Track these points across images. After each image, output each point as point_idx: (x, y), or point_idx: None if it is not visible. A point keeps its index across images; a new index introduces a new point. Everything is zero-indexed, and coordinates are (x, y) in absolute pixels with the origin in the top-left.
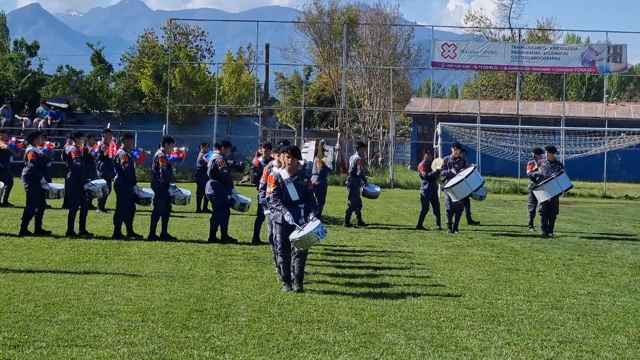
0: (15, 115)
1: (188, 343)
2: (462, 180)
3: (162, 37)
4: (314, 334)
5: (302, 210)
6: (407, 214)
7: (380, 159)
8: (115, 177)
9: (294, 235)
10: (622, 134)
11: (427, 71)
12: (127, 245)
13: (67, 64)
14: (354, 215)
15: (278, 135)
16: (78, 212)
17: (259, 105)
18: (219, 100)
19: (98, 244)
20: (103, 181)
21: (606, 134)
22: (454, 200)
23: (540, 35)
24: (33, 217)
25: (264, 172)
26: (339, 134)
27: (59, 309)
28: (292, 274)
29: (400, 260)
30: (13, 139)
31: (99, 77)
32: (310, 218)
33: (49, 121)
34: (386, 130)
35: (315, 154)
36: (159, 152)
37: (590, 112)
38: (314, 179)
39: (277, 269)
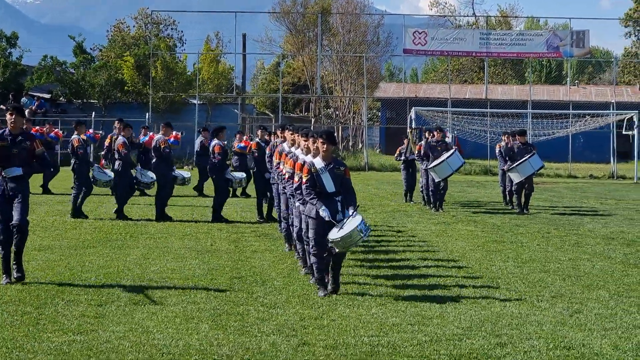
0: (0, 106)
1: (241, 302)
2: (443, 161)
3: (133, 26)
4: (344, 293)
5: (339, 204)
6: (387, 194)
7: (350, 144)
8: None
9: (334, 234)
10: (587, 116)
11: (387, 56)
12: (143, 225)
13: (51, 55)
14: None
15: (256, 121)
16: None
17: (237, 93)
18: (199, 89)
19: (116, 225)
20: (242, 174)
21: (571, 116)
22: (436, 180)
23: (501, 20)
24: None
25: (284, 157)
26: (312, 120)
27: (118, 277)
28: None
29: (396, 235)
30: (50, 129)
31: (81, 68)
32: (350, 214)
33: (33, 111)
34: (356, 115)
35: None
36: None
37: (552, 95)
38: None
39: (304, 266)
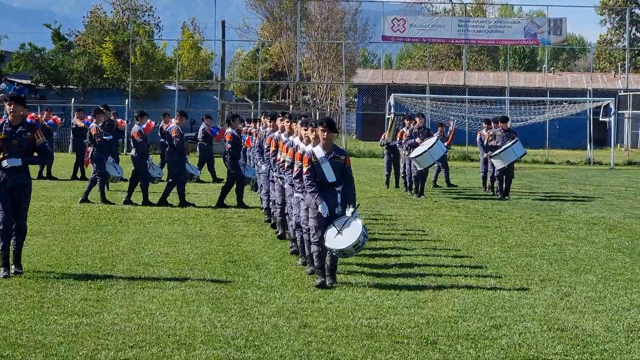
0: None
1: (238, 285)
2: (425, 151)
3: (111, 12)
4: (337, 277)
5: (339, 195)
6: (367, 180)
7: None
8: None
9: (331, 240)
10: (564, 103)
11: (365, 43)
12: (131, 211)
13: (29, 42)
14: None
15: (235, 108)
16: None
17: (217, 79)
18: (178, 75)
19: (103, 210)
20: None
21: (548, 103)
22: (418, 169)
23: (476, 7)
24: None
25: (282, 146)
26: (290, 107)
27: (114, 262)
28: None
29: (381, 221)
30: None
31: (60, 55)
32: (350, 213)
33: None
34: (333, 102)
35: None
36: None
37: (529, 82)
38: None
39: (301, 256)
